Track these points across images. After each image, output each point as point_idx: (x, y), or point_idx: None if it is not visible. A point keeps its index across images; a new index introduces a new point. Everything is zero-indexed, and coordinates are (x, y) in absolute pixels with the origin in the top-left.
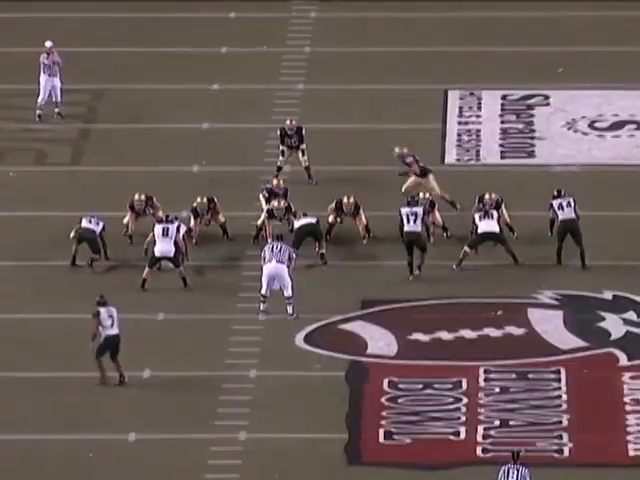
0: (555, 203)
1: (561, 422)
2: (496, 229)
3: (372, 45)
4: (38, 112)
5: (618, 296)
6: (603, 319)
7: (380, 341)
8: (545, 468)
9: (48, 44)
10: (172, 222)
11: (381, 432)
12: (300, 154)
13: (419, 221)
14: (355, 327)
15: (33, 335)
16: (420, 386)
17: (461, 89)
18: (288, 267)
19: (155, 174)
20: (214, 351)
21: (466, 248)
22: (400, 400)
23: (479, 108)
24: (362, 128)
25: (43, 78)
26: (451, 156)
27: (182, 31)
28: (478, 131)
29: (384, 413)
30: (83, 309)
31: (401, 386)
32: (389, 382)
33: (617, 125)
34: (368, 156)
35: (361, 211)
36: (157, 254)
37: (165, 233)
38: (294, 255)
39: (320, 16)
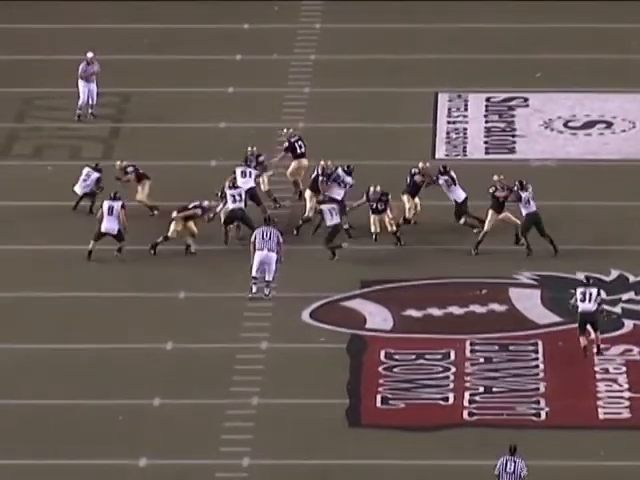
0: (524, 196)
1: (538, 389)
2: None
3: (370, 53)
4: (78, 112)
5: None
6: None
7: (377, 317)
8: (524, 430)
9: (90, 55)
10: (118, 200)
11: (378, 398)
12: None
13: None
14: (355, 304)
15: (68, 312)
16: (413, 357)
17: (450, 92)
18: (278, 253)
19: (177, 168)
20: (230, 325)
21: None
22: (395, 369)
23: (466, 109)
24: (361, 127)
25: (81, 83)
26: (441, 152)
27: (201, 41)
28: (465, 129)
29: (381, 381)
30: (109, 288)
31: (396, 357)
32: (385, 353)
33: (588, 124)
34: (367, 152)
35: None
36: (102, 230)
37: (110, 212)
38: (282, 240)
39: (324, 27)
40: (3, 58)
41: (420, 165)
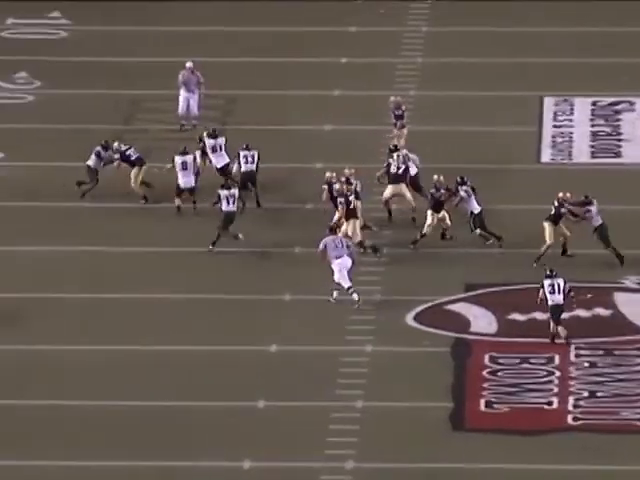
0: (593, 210)
1: None
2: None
3: (476, 56)
4: (182, 122)
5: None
6: None
7: (482, 320)
8: (629, 435)
9: (188, 65)
10: (187, 154)
11: (482, 401)
12: None
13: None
14: (459, 308)
15: (173, 313)
16: (517, 361)
17: (556, 96)
18: (351, 256)
19: (281, 170)
20: (335, 328)
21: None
22: (499, 373)
23: (571, 113)
24: (467, 130)
25: (182, 92)
26: (546, 156)
27: (308, 43)
28: (570, 134)
29: (485, 385)
30: (212, 290)
31: (500, 361)
32: (490, 357)
33: None
34: (473, 156)
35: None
36: (181, 186)
37: (184, 167)
38: (350, 243)
39: (431, 30)
40: (113, 60)
41: (435, 178)
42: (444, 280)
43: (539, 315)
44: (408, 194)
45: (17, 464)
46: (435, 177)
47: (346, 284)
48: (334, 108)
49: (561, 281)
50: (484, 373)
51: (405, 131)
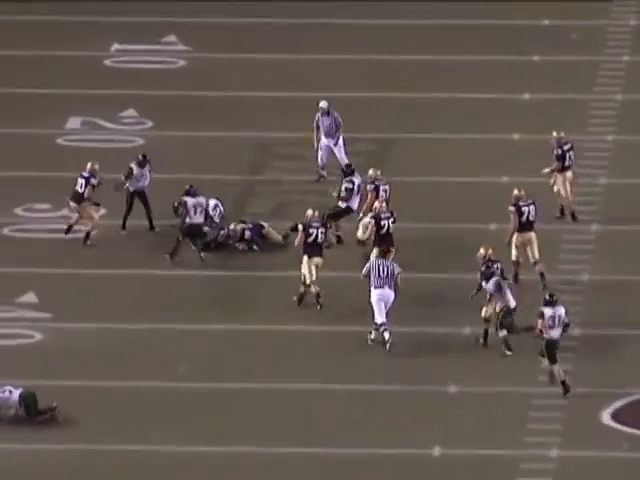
0: None
1: None
2: None
3: None
4: (321, 173)
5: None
6: None
7: None
8: None
9: (323, 104)
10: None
11: None
12: None
13: None
14: None
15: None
16: None
17: None
18: (395, 289)
19: (442, 231)
20: (512, 427)
21: None
22: None
23: None
24: None
25: (322, 139)
26: None
27: (480, 74)
28: None
29: None
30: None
31: None
32: None
33: None
34: None
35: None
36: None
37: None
38: (397, 271)
39: (634, 60)
40: (240, 95)
41: (481, 252)
42: None
43: None
44: None
45: None
46: (482, 251)
47: (379, 319)
48: (512, 156)
49: (562, 311)
50: None
51: (570, 175)
